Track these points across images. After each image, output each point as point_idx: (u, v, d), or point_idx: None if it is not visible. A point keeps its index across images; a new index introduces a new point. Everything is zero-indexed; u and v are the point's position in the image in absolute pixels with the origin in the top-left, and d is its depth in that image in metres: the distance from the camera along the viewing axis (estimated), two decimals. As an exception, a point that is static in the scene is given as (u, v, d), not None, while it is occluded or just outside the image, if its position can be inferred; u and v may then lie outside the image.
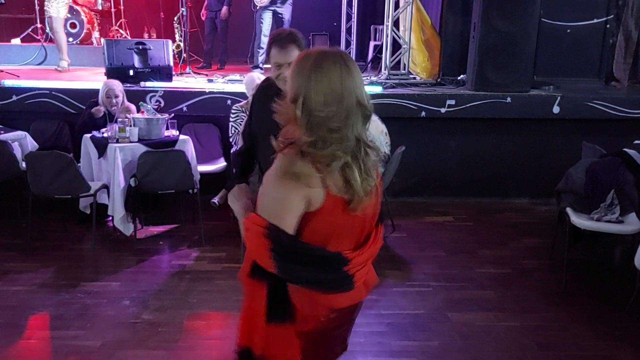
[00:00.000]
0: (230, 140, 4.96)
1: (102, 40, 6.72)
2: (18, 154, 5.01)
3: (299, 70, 1.67)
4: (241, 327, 1.85)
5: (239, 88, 6.00)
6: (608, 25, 6.46)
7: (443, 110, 5.79)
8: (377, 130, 4.34)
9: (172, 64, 6.50)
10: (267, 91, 2.55)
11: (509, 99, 5.83)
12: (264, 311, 1.73)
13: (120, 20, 9.10)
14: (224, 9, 8.08)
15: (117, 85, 5.18)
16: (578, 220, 3.99)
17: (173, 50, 6.88)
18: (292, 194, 1.61)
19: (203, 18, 8.62)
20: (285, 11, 6.93)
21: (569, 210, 4.10)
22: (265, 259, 1.63)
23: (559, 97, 5.84)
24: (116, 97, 5.13)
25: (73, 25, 8.65)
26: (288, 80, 1.72)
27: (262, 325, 1.74)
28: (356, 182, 1.65)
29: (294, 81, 1.66)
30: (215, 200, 5.63)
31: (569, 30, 6.45)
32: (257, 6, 6.96)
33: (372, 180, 1.72)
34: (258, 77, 5.00)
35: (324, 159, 1.61)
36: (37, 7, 8.72)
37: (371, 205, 1.75)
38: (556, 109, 5.84)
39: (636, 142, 4.49)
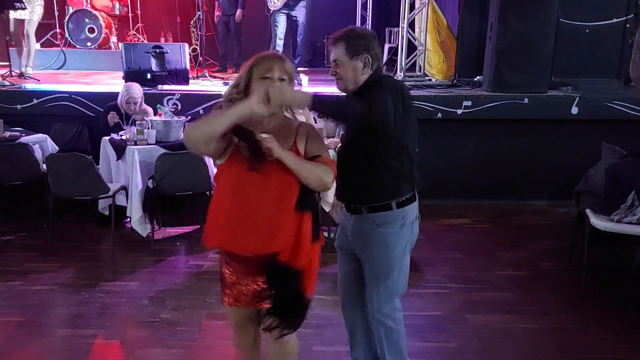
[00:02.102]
0: None
1: (120, 44, 6.80)
2: (39, 156, 5.09)
3: None
4: (283, 250, 2.19)
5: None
6: (628, 25, 6.37)
7: (459, 111, 5.77)
8: None
9: (188, 67, 6.56)
10: None
11: (526, 100, 5.79)
12: (310, 233, 2.22)
13: (138, 25, 9.21)
14: (239, 11, 8.10)
15: (138, 92, 5.21)
16: (598, 221, 3.94)
17: (189, 54, 6.94)
18: None
19: (216, 20, 8.64)
20: (299, 14, 6.97)
21: (588, 211, 4.05)
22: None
23: (577, 98, 5.79)
24: (135, 103, 5.18)
25: (91, 30, 8.78)
26: None
27: (308, 244, 2.22)
28: None
29: None
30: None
31: (587, 30, 6.37)
32: (271, 10, 7.00)
33: None
34: None
35: None
36: (56, 13, 8.86)
37: None
38: (575, 110, 5.79)
39: (657, 142, 4.44)
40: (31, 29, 7.12)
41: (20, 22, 7.08)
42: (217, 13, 8.66)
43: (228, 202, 2.17)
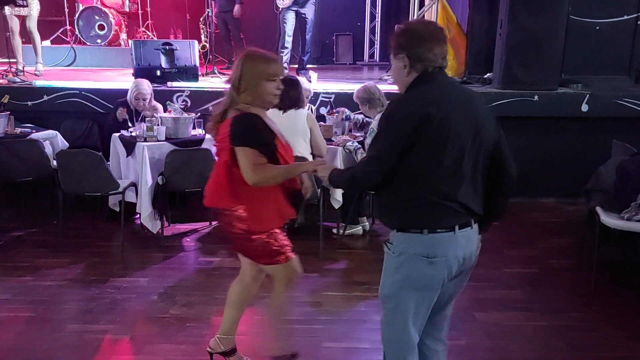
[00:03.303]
0: None
1: (130, 41, 6.82)
2: (49, 152, 5.12)
3: None
4: None
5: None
6: (638, 22, 6.33)
7: (469, 108, 5.73)
8: None
9: (198, 64, 6.57)
10: None
11: (536, 97, 5.76)
12: None
13: (147, 22, 9.22)
14: (237, 7, 8.02)
15: (147, 88, 5.21)
16: (608, 219, 3.92)
17: (199, 51, 6.95)
18: None
19: (214, 18, 8.53)
20: (308, 11, 6.94)
21: (598, 209, 4.03)
22: None
23: (587, 95, 5.76)
24: (144, 99, 5.19)
25: (101, 27, 8.81)
26: None
27: None
28: None
29: None
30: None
31: (597, 27, 6.34)
32: (279, 8, 7.00)
33: None
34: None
35: None
36: (66, 10, 8.90)
37: None
38: (585, 107, 5.76)
39: (668, 140, 4.41)
40: (32, 24, 6.99)
41: (19, 19, 6.95)
42: (214, 10, 8.55)
43: (281, 187, 2.66)
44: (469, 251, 2.23)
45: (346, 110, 5.33)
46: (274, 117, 4.45)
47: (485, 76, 6.56)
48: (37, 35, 7.10)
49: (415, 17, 6.90)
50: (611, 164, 4.28)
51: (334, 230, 5.04)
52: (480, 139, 2.15)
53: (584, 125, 5.91)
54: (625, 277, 4.31)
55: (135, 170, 4.80)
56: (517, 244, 4.89)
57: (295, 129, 4.47)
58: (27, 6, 6.74)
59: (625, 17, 6.34)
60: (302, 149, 4.49)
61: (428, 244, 2.16)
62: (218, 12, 8.18)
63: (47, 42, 8.86)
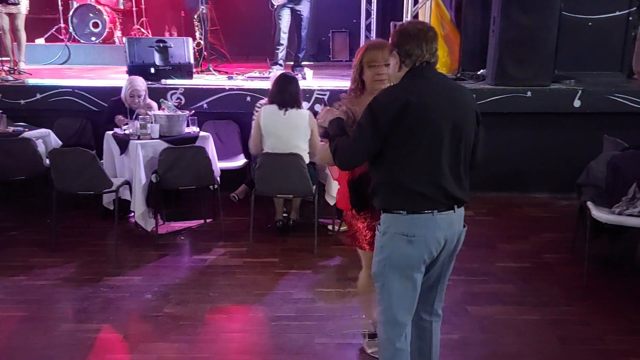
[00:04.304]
0: None
1: (124, 38, 6.79)
2: (42, 151, 5.09)
3: None
4: None
5: (259, 85, 6.05)
6: (630, 18, 6.34)
7: (462, 105, 5.75)
8: None
9: (192, 61, 6.55)
10: None
11: (529, 93, 5.78)
12: None
13: (142, 19, 9.20)
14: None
15: (141, 85, 5.21)
16: (599, 214, 3.94)
17: (194, 48, 6.94)
18: None
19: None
20: (304, 8, 6.94)
21: (589, 204, 4.05)
22: None
23: (580, 91, 5.78)
24: (139, 96, 5.18)
25: (95, 25, 8.78)
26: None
27: None
28: None
29: None
30: (235, 194, 5.71)
31: (590, 24, 6.35)
32: (274, 5, 6.99)
33: None
34: None
35: None
36: (60, 8, 8.87)
37: None
38: (577, 103, 5.78)
39: (659, 135, 4.43)
40: (21, 23, 6.99)
41: (8, 17, 6.93)
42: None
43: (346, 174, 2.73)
44: (450, 233, 2.41)
45: None
46: (276, 118, 4.54)
47: (479, 72, 6.58)
48: (23, 34, 7.11)
49: (409, 14, 6.89)
50: (602, 159, 4.29)
51: (329, 227, 5.06)
52: (461, 130, 2.31)
53: (577, 121, 5.93)
54: (617, 271, 4.34)
55: (129, 168, 4.79)
56: (509, 238, 4.91)
57: (297, 129, 4.61)
58: (19, 4, 6.74)
59: (617, 13, 6.35)
60: (302, 147, 4.62)
61: (407, 224, 2.33)
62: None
63: (41, 40, 8.83)
